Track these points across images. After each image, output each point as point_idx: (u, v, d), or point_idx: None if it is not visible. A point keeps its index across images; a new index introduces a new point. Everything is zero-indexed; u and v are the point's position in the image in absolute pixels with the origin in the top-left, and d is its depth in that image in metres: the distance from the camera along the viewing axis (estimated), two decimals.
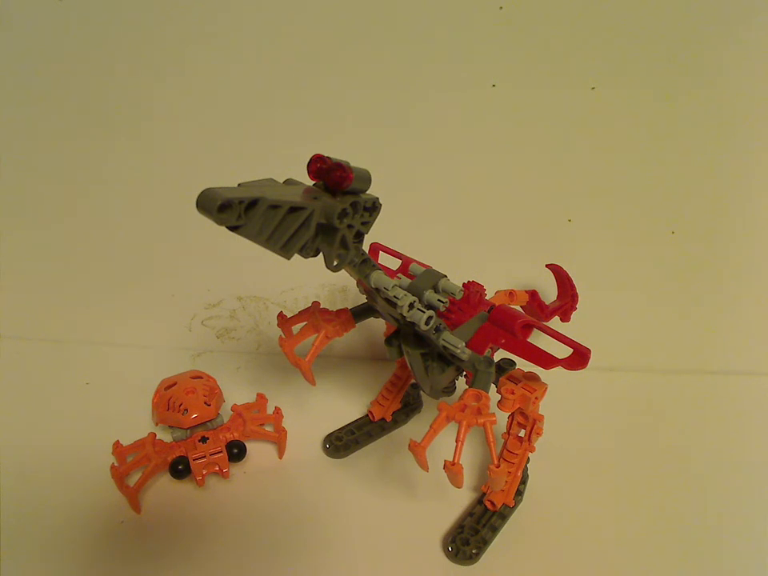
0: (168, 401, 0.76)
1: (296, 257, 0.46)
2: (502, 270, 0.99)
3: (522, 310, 0.75)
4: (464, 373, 0.69)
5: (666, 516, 0.72)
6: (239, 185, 0.44)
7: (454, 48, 0.88)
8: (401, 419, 0.87)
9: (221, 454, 0.72)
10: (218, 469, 0.71)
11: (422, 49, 0.88)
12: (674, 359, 1.04)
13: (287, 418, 0.82)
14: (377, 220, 0.52)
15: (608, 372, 1.02)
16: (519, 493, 0.71)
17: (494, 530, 0.67)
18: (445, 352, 0.60)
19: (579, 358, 0.56)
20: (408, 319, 0.56)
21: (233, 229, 0.40)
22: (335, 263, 0.50)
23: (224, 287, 1.05)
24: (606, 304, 1.00)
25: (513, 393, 0.62)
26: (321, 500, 0.72)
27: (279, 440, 0.78)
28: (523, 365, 0.64)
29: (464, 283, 0.68)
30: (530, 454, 0.69)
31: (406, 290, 0.57)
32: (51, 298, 1.07)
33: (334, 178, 0.46)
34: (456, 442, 0.54)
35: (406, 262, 0.73)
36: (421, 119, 0.92)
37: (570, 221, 0.97)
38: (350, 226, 0.49)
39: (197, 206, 0.38)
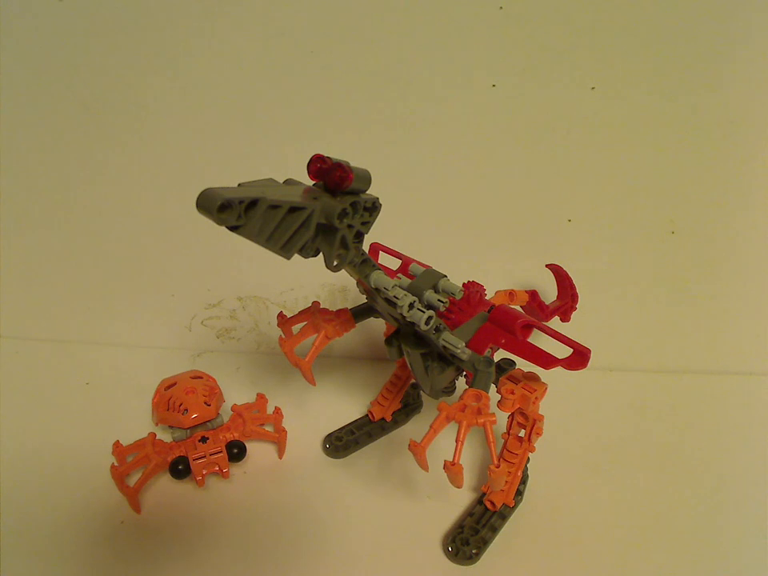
0: (168, 401, 0.76)
1: (296, 257, 0.46)
2: (502, 270, 1.00)
3: (521, 310, 0.75)
4: (464, 373, 0.69)
5: (666, 516, 0.72)
6: (239, 185, 0.44)
7: (454, 48, 0.88)
8: (401, 419, 0.87)
9: (221, 454, 0.72)
10: (217, 469, 0.71)
11: (422, 49, 0.88)
12: (674, 359, 1.04)
13: (287, 418, 0.82)
14: (377, 220, 0.52)
15: (608, 372, 1.03)
16: (519, 493, 0.71)
17: (494, 530, 0.67)
18: (445, 352, 0.60)
19: (579, 357, 0.56)
20: (408, 319, 0.56)
21: (233, 229, 0.40)
22: (335, 263, 0.50)
23: (224, 287, 1.05)
24: (605, 304, 1.00)
25: (513, 393, 0.62)
26: (321, 500, 0.72)
27: (279, 440, 0.78)
28: (523, 365, 0.64)
29: (464, 283, 0.68)
30: (529, 454, 0.69)
31: (405, 289, 0.57)
32: (51, 298, 1.07)
33: (333, 178, 0.46)
34: (456, 442, 0.54)
35: (406, 261, 0.73)
36: (421, 119, 0.92)
37: (569, 221, 0.97)
38: (350, 226, 0.49)
39: (197, 206, 0.38)
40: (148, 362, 1.01)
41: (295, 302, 1.04)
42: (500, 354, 0.67)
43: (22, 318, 1.08)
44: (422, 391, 0.89)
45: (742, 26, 0.85)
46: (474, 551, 0.64)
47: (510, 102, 0.90)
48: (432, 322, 0.56)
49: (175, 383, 0.79)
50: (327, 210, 0.46)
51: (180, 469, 0.70)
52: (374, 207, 0.51)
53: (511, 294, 0.80)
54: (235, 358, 1.04)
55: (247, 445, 0.76)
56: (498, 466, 0.55)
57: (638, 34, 0.86)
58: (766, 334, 1.02)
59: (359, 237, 0.51)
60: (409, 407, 0.88)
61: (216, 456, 0.72)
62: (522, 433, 0.67)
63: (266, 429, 0.80)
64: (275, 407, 0.82)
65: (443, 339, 0.58)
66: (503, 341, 0.61)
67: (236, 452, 0.74)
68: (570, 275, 0.87)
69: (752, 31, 0.85)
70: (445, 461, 0.54)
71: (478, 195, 0.96)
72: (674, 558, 0.66)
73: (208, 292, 1.05)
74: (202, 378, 0.82)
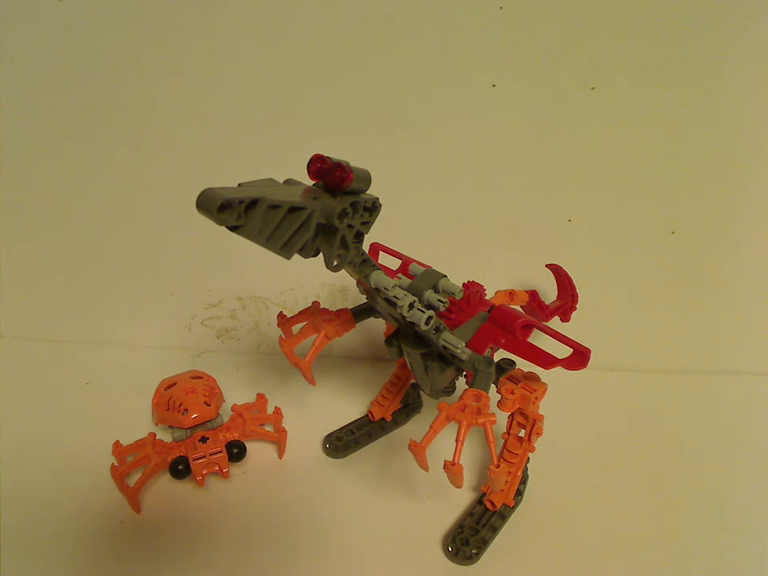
0: (168, 401, 0.76)
1: (296, 257, 0.46)
2: (502, 270, 1.00)
3: (521, 310, 0.75)
4: (464, 373, 0.69)
5: (666, 515, 0.72)
6: (239, 185, 0.44)
7: (454, 48, 0.88)
8: (401, 419, 0.87)
9: (221, 454, 0.72)
10: (217, 469, 0.71)
11: (423, 49, 0.88)
12: (674, 359, 1.04)
13: (287, 418, 0.82)
14: (377, 220, 0.52)
15: (608, 372, 1.03)
16: (519, 493, 0.71)
17: (494, 530, 0.67)
18: (445, 352, 0.60)
19: (579, 357, 0.56)
20: (408, 319, 0.56)
21: (233, 229, 0.40)
22: (335, 263, 0.50)
23: (224, 287, 1.05)
24: (606, 304, 1.00)
25: (513, 393, 0.62)
26: (321, 500, 0.72)
27: (279, 440, 0.78)
28: (523, 365, 0.64)
29: (464, 283, 0.68)
30: (529, 454, 0.69)
31: (406, 289, 0.57)
32: (51, 297, 1.07)
33: (333, 178, 0.46)
34: (456, 441, 0.54)
35: (406, 261, 0.73)
36: (421, 119, 0.92)
37: (569, 221, 0.97)
38: (350, 226, 0.49)
39: (197, 206, 0.38)
40: (148, 362, 1.01)
41: (295, 302, 1.04)
42: (500, 354, 0.67)
43: (22, 318, 1.08)
44: (421, 391, 0.89)
45: (743, 26, 0.85)
46: (474, 551, 0.64)
47: (510, 102, 0.90)
48: (432, 321, 0.56)
49: (175, 383, 0.79)
50: (327, 209, 0.46)
51: (180, 469, 0.70)
52: (373, 207, 0.51)
53: (511, 294, 0.80)
54: (235, 358, 1.04)
55: (247, 445, 0.76)
56: (498, 466, 0.55)
57: (637, 34, 0.86)
58: (766, 334, 1.02)
59: (359, 237, 0.51)
60: (409, 407, 0.88)
61: (216, 456, 0.72)
62: (522, 433, 0.67)
63: (266, 429, 0.80)
64: (275, 407, 0.82)
65: (443, 339, 0.58)
66: (503, 341, 0.61)
67: (236, 452, 0.74)
68: (569, 275, 0.87)
69: (752, 31, 0.85)
70: (445, 461, 0.54)
71: (477, 195, 0.96)
72: (674, 557, 0.66)
73: (208, 292, 1.05)
74: (202, 377, 0.82)
